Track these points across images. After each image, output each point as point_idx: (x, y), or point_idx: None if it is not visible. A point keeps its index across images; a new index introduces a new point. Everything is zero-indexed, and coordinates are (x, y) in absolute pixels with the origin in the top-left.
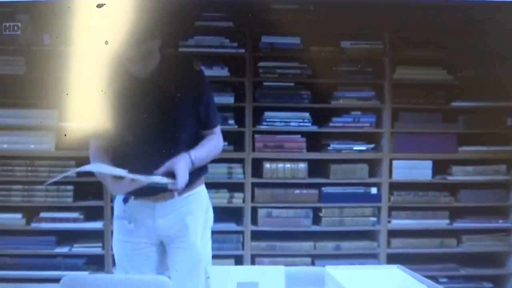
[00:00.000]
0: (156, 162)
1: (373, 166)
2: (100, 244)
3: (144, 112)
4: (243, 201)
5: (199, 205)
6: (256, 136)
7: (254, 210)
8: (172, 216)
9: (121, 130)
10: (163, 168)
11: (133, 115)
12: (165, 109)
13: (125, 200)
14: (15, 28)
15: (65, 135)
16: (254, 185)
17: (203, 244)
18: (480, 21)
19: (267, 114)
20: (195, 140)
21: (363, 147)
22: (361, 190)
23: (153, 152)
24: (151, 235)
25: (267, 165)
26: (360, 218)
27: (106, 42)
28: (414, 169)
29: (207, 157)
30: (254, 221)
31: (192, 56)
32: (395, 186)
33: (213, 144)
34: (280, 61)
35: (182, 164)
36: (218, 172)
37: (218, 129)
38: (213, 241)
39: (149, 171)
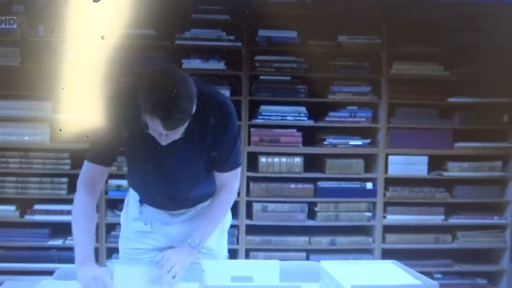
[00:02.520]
0: (168, 197)
1: (369, 161)
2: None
3: (163, 155)
4: (238, 195)
5: None
6: (252, 130)
7: (249, 204)
8: (189, 223)
9: (134, 162)
10: (167, 264)
11: (149, 154)
12: (186, 157)
13: (141, 202)
14: (11, 22)
15: (60, 130)
16: (249, 179)
17: (219, 248)
18: (477, 18)
19: (263, 108)
20: (213, 176)
21: (359, 142)
22: (356, 185)
23: (168, 188)
24: (166, 239)
25: (262, 159)
26: (355, 213)
27: (103, 37)
28: (410, 164)
29: (214, 228)
30: (249, 215)
31: (222, 99)
32: (391, 182)
33: (221, 209)
34: (276, 55)
35: (180, 259)
36: None
37: (235, 172)
38: None
39: (160, 204)
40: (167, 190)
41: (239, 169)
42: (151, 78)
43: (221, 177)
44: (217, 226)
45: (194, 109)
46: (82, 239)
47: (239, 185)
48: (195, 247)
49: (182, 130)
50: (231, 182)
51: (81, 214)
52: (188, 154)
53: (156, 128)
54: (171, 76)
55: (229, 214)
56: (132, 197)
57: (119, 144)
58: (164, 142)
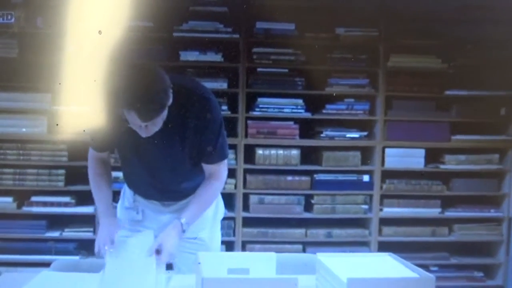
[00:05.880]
0: (157, 189)
1: (366, 154)
2: (91, 229)
3: (147, 150)
4: (235, 187)
5: None
6: (249, 122)
7: (246, 197)
8: (181, 212)
9: (123, 156)
10: (155, 244)
11: (130, 148)
12: (169, 152)
13: (134, 192)
14: (9, 16)
15: (57, 124)
16: (246, 171)
17: (211, 237)
18: (475, 10)
19: (260, 100)
20: (200, 168)
21: (356, 135)
22: (353, 177)
23: (154, 180)
24: (157, 228)
25: (259, 151)
26: (352, 206)
27: (100, 32)
28: (407, 157)
29: (201, 211)
30: (246, 207)
31: (203, 93)
32: (388, 174)
33: (209, 194)
34: (274, 47)
35: (170, 240)
36: None
37: (222, 164)
38: None
39: (151, 196)
40: (156, 183)
41: (226, 160)
42: (122, 73)
43: (209, 168)
44: (204, 212)
45: (169, 100)
46: (96, 200)
47: (236, 178)
48: (184, 227)
49: (160, 122)
50: (219, 172)
51: (92, 180)
52: (172, 148)
53: (134, 121)
54: (142, 69)
55: (221, 206)
56: (127, 187)
57: (110, 138)
58: (144, 134)
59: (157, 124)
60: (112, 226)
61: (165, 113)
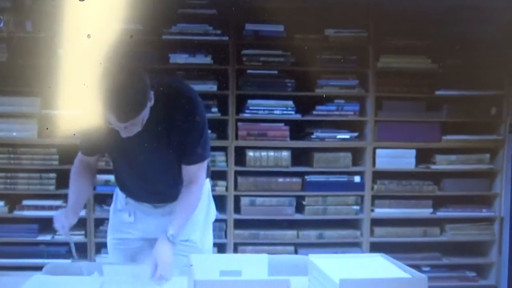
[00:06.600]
0: (148, 192)
1: (357, 155)
2: (83, 232)
3: (136, 153)
4: (226, 189)
5: (201, 202)
6: (239, 124)
7: (237, 199)
8: (171, 214)
9: (114, 160)
10: (152, 266)
11: (119, 152)
12: (157, 154)
13: (126, 195)
14: None
15: (47, 128)
16: (237, 173)
17: (203, 240)
18: (465, 10)
19: (250, 102)
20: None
21: (346, 136)
22: (344, 178)
23: (144, 183)
24: (149, 229)
25: (250, 153)
26: (343, 207)
27: (89, 36)
28: (398, 157)
29: (187, 218)
30: (237, 209)
31: (186, 91)
32: (379, 175)
33: (190, 201)
34: (263, 49)
35: (162, 253)
36: None
37: (201, 165)
38: None
39: (142, 198)
40: (147, 186)
41: (205, 162)
42: (104, 76)
43: (187, 170)
44: (189, 218)
45: (148, 102)
46: (70, 193)
47: (227, 180)
48: (172, 239)
49: (139, 122)
50: (197, 176)
51: (72, 176)
52: (160, 151)
53: (114, 122)
54: (121, 71)
55: (213, 208)
56: (119, 190)
57: (99, 142)
58: (124, 134)
59: (137, 124)
60: (66, 219)
61: (145, 114)
